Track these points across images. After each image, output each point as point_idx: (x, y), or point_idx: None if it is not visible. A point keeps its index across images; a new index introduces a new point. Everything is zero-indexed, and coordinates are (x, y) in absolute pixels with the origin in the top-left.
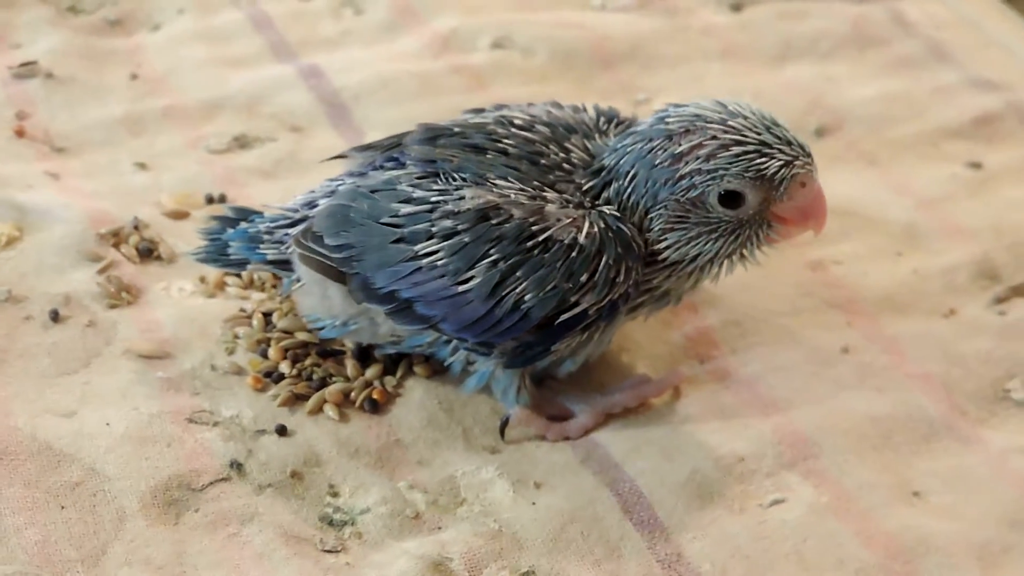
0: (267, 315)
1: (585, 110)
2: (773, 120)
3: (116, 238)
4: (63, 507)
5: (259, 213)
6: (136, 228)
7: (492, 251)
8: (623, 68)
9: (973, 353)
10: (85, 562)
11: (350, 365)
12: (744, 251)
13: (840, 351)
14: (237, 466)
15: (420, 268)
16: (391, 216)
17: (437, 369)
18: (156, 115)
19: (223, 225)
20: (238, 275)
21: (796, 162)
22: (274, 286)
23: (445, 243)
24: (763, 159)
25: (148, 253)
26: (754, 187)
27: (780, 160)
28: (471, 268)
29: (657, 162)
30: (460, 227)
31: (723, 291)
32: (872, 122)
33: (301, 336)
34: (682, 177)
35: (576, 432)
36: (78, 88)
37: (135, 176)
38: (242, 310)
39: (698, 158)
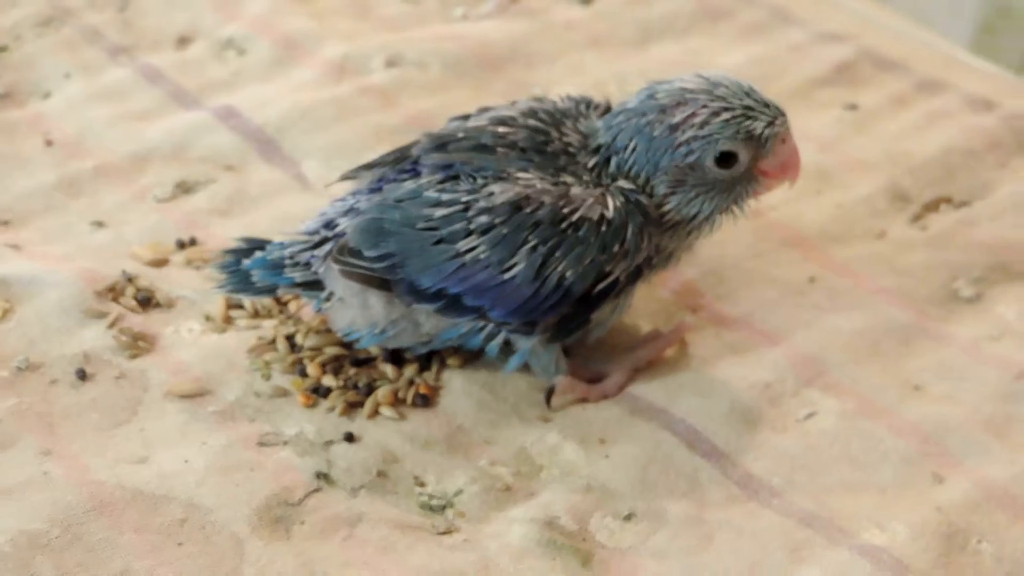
0: (288, 338)
1: (558, 100)
2: (749, 86)
3: (113, 292)
4: (180, 544)
5: (268, 242)
6: (129, 280)
7: (530, 237)
8: (511, 68)
9: (915, 265)
10: None
11: (388, 368)
12: (735, 206)
13: (808, 281)
14: (324, 476)
15: (464, 264)
16: (426, 221)
17: (467, 359)
18: (88, 175)
19: (238, 257)
20: (242, 307)
21: (776, 121)
22: (281, 311)
23: (484, 237)
24: (750, 121)
25: (147, 302)
26: (745, 146)
27: (764, 120)
28: (513, 256)
29: (655, 133)
30: (497, 220)
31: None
32: (750, 82)
33: (331, 351)
34: (680, 145)
35: (614, 390)
36: None
37: (96, 235)
38: (261, 338)
39: (693, 126)
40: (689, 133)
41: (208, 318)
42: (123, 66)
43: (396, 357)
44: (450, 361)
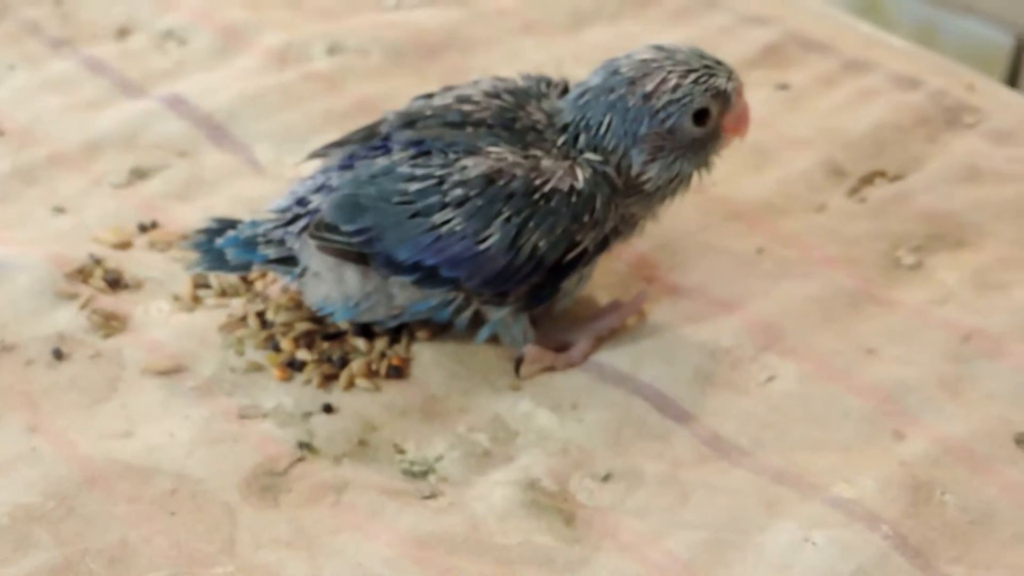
0: (259, 315)
1: (516, 79)
2: (700, 49)
3: (82, 274)
4: (173, 513)
5: (239, 221)
6: (97, 262)
7: (504, 209)
8: (448, 55)
9: (857, 235)
10: (224, 552)
11: (359, 342)
12: (706, 164)
13: (756, 252)
14: (306, 446)
15: (440, 236)
16: (401, 195)
17: (436, 332)
18: (43, 164)
19: (210, 236)
20: (208, 286)
21: (733, 75)
22: (249, 289)
23: (459, 209)
24: (714, 78)
25: (116, 283)
26: (714, 102)
27: (724, 76)
28: (488, 227)
29: (630, 105)
30: (471, 193)
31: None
32: None
33: (302, 326)
34: (658, 111)
35: (580, 358)
36: None
37: (59, 220)
38: (231, 315)
39: (666, 91)
40: (665, 98)
41: (176, 298)
42: (66, 58)
43: (366, 331)
44: (419, 334)
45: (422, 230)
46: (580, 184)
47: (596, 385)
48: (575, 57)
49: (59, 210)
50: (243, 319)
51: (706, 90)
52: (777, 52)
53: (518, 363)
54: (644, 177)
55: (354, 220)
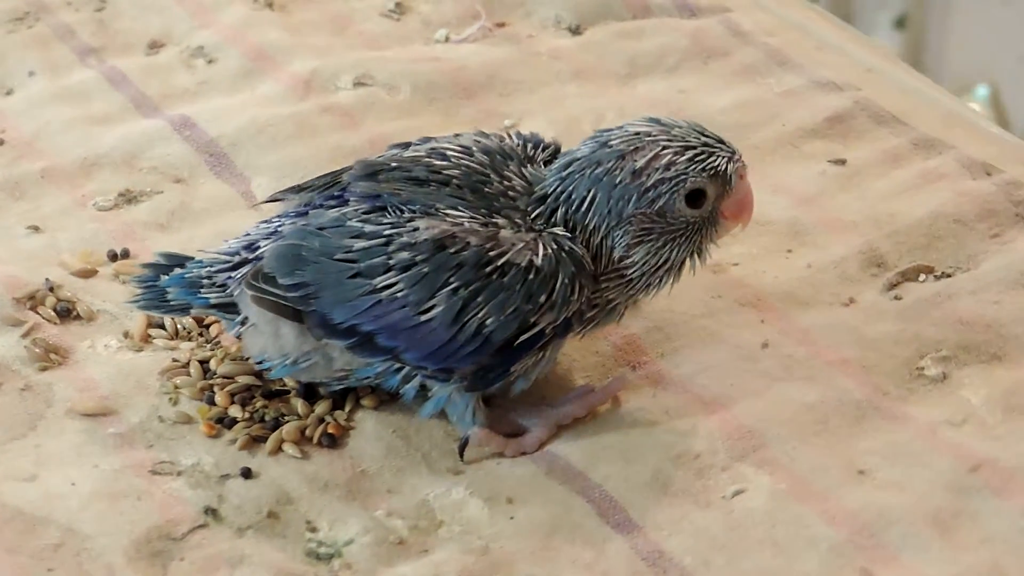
0: (203, 363)
1: (507, 137)
2: (700, 126)
3: (33, 301)
4: (50, 569)
5: (190, 259)
6: (51, 290)
7: (452, 279)
8: (484, 96)
9: (881, 337)
10: None
11: (299, 404)
12: (699, 252)
13: (761, 346)
14: (212, 512)
15: (380, 301)
16: (345, 252)
17: (384, 399)
18: (35, 178)
19: (156, 272)
20: (162, 327)
21: (735, 156)
22: (200, 334)
23: (404, 275)
24: (713, 157)
25: (67, 313)
26: (712, 183)
27: (724, 156)
28: (432, 297)
29: (617, 181)
30: (418, 258)
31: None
32: (733, 129)
33: (244, 380)
34: (647, 190)
35: (532, 446)
36: None
37: (30, 239)
38: (175, 360)
39: (658, 169)
40: (655, 176)
41: (127, 335)
42: (89, 68)
43: (311, 392)
44: (365, 401)
45: (362, 292)
46: (539, 260)
47: (540, 479)
48: (619, 110)
49: (34, 228)
50: (186, 365)
51: (703, 170)
52: (843, 122)
53: (463, 445)
54: (627, 261)
55: (292, 274)
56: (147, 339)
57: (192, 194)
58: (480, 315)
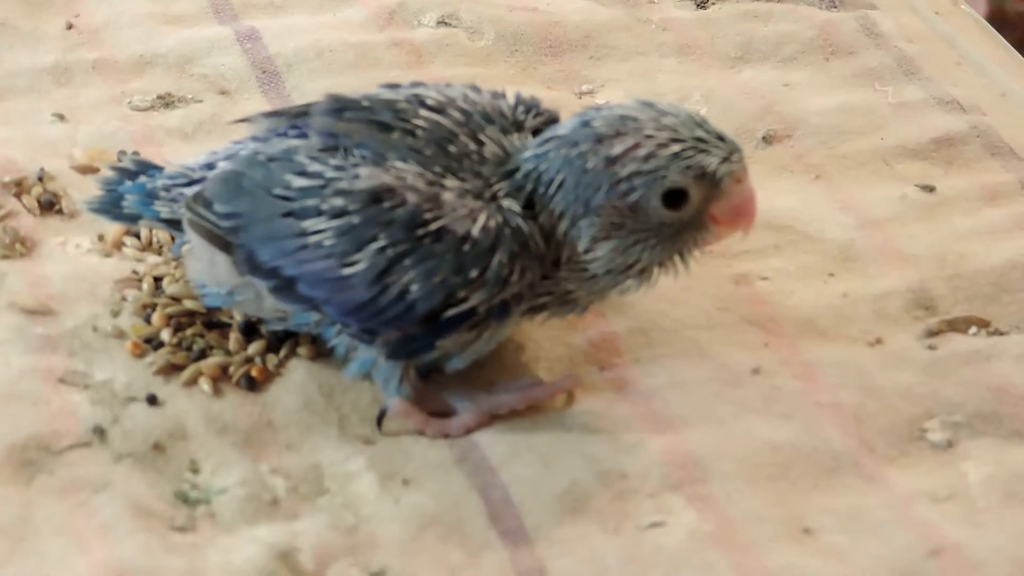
0: (158, 280)
1: (504, 96)
2: (701, 117)
3: (19, 188)
4: None
5: (161, 168)
6: (40, 179)
7: (381, 236)
8: (571, 57)
9: (893, 387)
10: None
11: (233, 339)
12: (679, 258)
13: (750, 372)
14: (100, 432)
15: (306, 246)
16: (283, 188)
17: (323, 352)
18: (85, 67)
19: (122, 177)
20: (137, 236)
21: (732, 157)
22: (170, 250)
23: (333, 222)
24: (703, 155)
25: (50, 206)
26: (697, 184)
27: (718, 155)
28: (358, 251)
29: (588, 167)
30: (351, 207)
31: (636, 297)
32: (825, 134)
33: (188, 304)
34: (620, 181)
35: (457, 430)
36: (11, 33)
37: (52, 127)
38: (134, 272)
39: (635, 159)
40: (630, 168)
41: (101, 238)
42: None
43: (251, 329)
44: (301, 350)
45: (290, 233)
46: (476, 231)
47: (447, 466)
48: (707, 93)
49: (59, 117)
50: (141, 279)
51: (687, 168)
52: (952, 147)
53: (381, 414)
54: (590, 255)
55: (229, 201)
56: (120, 246)
57: (230, 108)
58: (405, 279)
